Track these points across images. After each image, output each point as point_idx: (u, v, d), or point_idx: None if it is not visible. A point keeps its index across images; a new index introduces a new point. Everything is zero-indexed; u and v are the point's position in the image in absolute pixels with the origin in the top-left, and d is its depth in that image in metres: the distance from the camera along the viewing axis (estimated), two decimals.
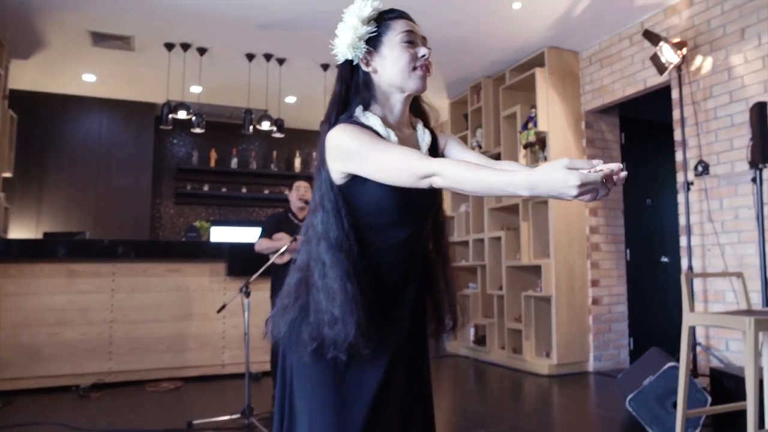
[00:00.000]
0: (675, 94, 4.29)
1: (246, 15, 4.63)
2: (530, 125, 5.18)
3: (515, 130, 5.44)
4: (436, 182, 1.10)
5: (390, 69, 1.29)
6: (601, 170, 0.94)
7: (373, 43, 1.30)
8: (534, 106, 5.19)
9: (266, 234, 4.01)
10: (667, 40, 4.10)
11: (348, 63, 1.31)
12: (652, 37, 4.16)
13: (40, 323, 4.39)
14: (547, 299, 4.92)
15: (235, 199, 7.34)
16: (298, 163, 7.75)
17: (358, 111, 1.30)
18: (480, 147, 5.85)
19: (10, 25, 4.77)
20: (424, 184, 1.11)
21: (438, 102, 6.78)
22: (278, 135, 5.87)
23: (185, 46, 5.19)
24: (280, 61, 5.52)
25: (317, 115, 5.98)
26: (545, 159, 5.05)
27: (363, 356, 1.20)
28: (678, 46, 4.10)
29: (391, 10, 1.33)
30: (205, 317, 4.77)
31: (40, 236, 5.88)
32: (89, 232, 6.20)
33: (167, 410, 3.77)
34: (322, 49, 5.35)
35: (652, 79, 4.50)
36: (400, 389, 1.32)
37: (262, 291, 4.09)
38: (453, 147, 1.43)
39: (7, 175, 5.37)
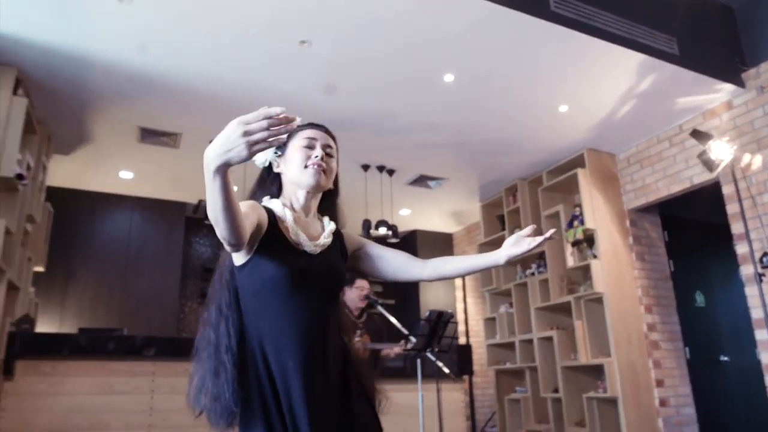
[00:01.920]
0: (727, 189, 4.41)
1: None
2: (575, 223, 5.24)
3: (559, 229, 5.48)
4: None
5: (291, 168, 1.50)
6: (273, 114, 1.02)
7: (282, 150, 1.54)
8: (578, 205, 5.28)
9: None
10: (717, 139, 4.29)
11: (263, 169, 1.60)
12: (701, 136, 4.35)
13: (73, 427, 3.98)
14: (612, 401, 4.67)
15: None
16: None
17: (265, 200, 1.51)
18: None
19: (61, 120, 4.80)
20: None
21: (468, 205, 6.88)
22: None
23: None
24: None
25: (354, 216, 6.00)
26: (594, 257, 5.05)
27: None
28: (727, 144, 4.29)
29: (307, 125, 1.55)
30: None
31: (66, 331, 5.52)
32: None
33: None
34: (364, 149, 5.52)
35: (699, 177, 4.64)
36: None
37: None
38: (371, 245, 1.63)
39: (40, 269, 5.15)
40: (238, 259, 1.38)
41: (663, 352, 4.90)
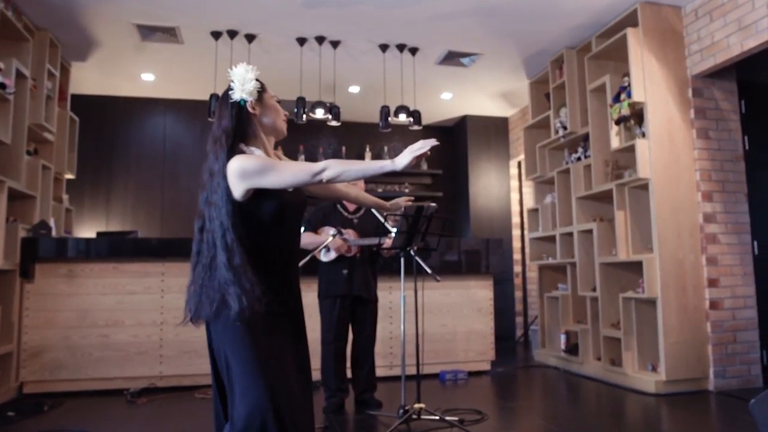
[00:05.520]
0: None
1: None
2: (623, 97, 4.39)
3: (605, 104, 4.66)
4: (326, 175, 1.60)
5: (270, 115, 1.78)
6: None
7: (257, 95, 1.74)
8: (627, 75, 4.40)
9: (310, 228, 3.63)
10: None
11: (235, 103, 1.71)
12: None
13: (90, 324, 4.22)
14: (651, 302, 4.09)
15: None
16: (368, 158, 7.25)
17: (244, 147, 1.70)
18: (565, 128, 5.09)
19: (61, 24, 4.65)
20: (317, 179, 1.61)
21: (516, 84, 6.08)
22: (334, 123, 5.33)
23: (232, 33, 4.87)
24: (334, 44, 5.07)
25: (381, 104, 5.48)
26: (643, 135, 4.24)
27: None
28: None
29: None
30: None
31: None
32: (157, 232, 6.09)
33: (210, 420, 3.39)
34: (375, 26, 4.87)
35: None
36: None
37: (309, 292, 3.66)
38: None
39: (70, 176, 5.34)
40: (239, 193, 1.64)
41: (722, 247, 4.13)
